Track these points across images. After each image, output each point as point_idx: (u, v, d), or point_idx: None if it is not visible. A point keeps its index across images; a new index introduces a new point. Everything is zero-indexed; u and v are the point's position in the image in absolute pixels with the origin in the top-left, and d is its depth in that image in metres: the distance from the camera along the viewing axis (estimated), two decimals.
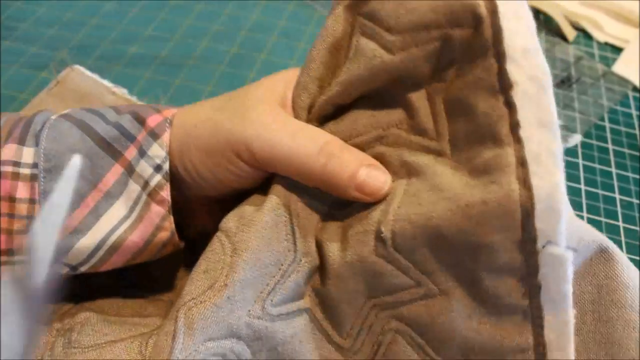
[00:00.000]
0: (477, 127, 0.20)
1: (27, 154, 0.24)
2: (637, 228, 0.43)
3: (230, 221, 0.25)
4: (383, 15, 0.23)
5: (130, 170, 0.25)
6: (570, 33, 0.59)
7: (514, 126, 0.19)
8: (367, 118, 0.25)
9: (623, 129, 0.52)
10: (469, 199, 0.20)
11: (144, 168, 0.25)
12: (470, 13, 0.21)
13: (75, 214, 0.24)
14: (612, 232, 0.42)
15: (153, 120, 0.25)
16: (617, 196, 0.45)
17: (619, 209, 0.44)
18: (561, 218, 0.18)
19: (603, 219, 0.43)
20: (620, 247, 0.41)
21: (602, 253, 0.23)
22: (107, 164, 0.24)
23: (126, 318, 0.27)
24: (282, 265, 0.24)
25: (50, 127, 0.24)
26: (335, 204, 0.25)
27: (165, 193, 0.25)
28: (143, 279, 0.30)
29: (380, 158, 0.24)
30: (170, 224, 0.25)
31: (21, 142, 0.24)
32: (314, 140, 0.24)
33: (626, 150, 0.50)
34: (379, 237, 0.22)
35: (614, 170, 0.47)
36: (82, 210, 0.24)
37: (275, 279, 0.24)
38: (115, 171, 0.24)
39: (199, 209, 0.29)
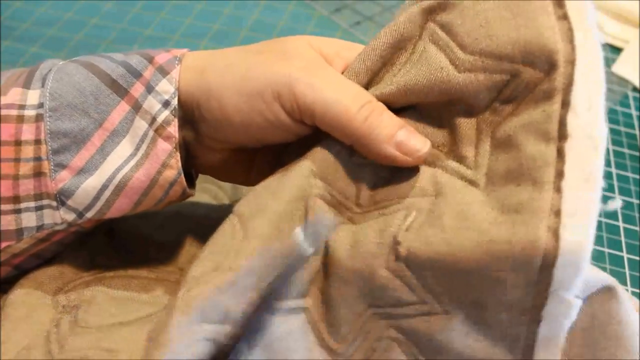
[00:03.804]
0: (520, 167, 0.21)
1: (33, 96, 0.24)
2: (637, 228, 0.43)
3: (244, 205, 0.24)
4: (460, 31, 0.22)
5: (136, 107, 0.24)
6: None
7: (558, 175, 0.19)
8: None
9: (623, 129, 0.52)
10: (494, 235, 0.20)
11: (152, 104, 0.24)
12: (546, 58, 0.21)
13: (81, 154, 0.24)
14: (612, 232, 0.42)
15: (162, 58, 0.25)
16: (617, 196, 0.45)
17: (619, 209, 0.44)
18: (580, 273, 0.19)
19: (603, 219, 0.43)
20: (620, 247, 0.41)
21: (606, 289, 0.24)
22: (113, 102, 0.24)
23: (133, 295, 0.27)
24: (288, 258, 0.23)
25: (57, 70, 0.24)
26: (353, 204, 0.25)
27: (173, 129, 0.24)
28: (151, 261, 0.30)
29: (412, 173, 0.24)
30: (177, 162, 0.25)
31: (26, 85, 0.24)
32: (359, 94, 0.23)
33: (626, 150, 0.50)
34: (394, 252, 0.22)
35: (614, 170, 0.48)
36: (88, 150, 0.24)
37: (280, 271, 0.23)
38: (121, 109, 0.24)
39: (211, 159, 0.28)
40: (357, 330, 0.24)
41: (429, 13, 0.24)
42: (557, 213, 0.19)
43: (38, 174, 0.24)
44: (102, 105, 0.24)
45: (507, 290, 0.20)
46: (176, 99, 0.24)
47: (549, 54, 0.21)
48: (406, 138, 0.23)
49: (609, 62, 0.58)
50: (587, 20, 0.21)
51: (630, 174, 0.47)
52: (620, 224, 0.43)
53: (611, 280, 0.24)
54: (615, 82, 0.56)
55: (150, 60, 0.25)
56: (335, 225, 0.24)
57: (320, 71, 0.23)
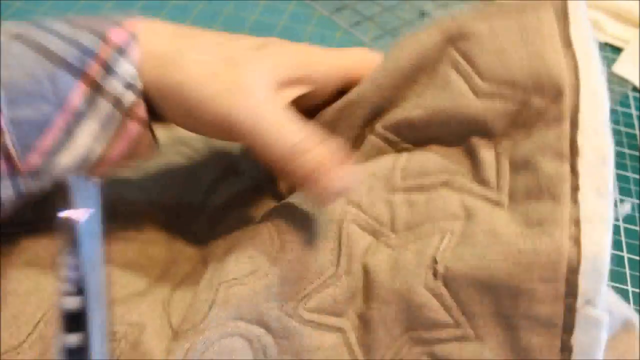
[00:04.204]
0: (539, 185, 0.23)
1: None
2: (637, 228, 0.43)
3: (281, 216, 0.26)
4: (479, 61, 0.25)
5: (96, 88, 0.24)
6: None
7: (574, 189, 0.22)
8: (438, 161, 0.27)
9: (623, 129, 0.52)
10: (521, 246, 0.21)
11: (114, 85, 0.24)
12: (554, 86, 0.23)
13: (46, 137, 0.24)
14: (612, 232, 0.42)
15: (116, 36, 0.25)
16: (617, 196, 0.45)
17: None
18: (603, 280, 0.20)
19: None
20: (620, 247, 0.41)
21: (626, 326, 0.25)
22: (70, 83, 0.24)
23: (133, 260, 0.28)
24: (322, 275, 0.25)
25: (4, 53, 0.24)
26: (389, 230, 0.26)
27: (141, 110, 0.25)
28: (139, 223, 0.31)
29: (442, 200, 0.26)
30: (149, 139, 0.26)
31: None
32: (293, 134, 0.24)
33: (626, 150, 0.50)
34: (432, 270, 0.23)
35: (614, 170, 0.47)
36: (53, 132, 0.24)
37: (313, 285, 0.25)
38: (80, 90, 0.24)
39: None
40: (392, 355, 0.24)
41: (450, 39, 0.26)
42: (577, 222, 0.21)
43: (7, 157, 0.24)
44: (59, 90, 0.24)
45: (536, 303, 0.21)
46: (138, 80, 0.25)
47: (557, 83, 0.23)
48: (325, 178, 0.24)
49: (609, 62, 0.58)
50: (589, 44, 0.23)
51: (630, 174, 0.47)
52: (621, 224, 0.43)
53: (630, 313, 0.25)
54: (615, 82, 0.56)
55: (103, 37, 0.25)
56: (371, 248, 0.25)
57: (263, 111, 0.24)
